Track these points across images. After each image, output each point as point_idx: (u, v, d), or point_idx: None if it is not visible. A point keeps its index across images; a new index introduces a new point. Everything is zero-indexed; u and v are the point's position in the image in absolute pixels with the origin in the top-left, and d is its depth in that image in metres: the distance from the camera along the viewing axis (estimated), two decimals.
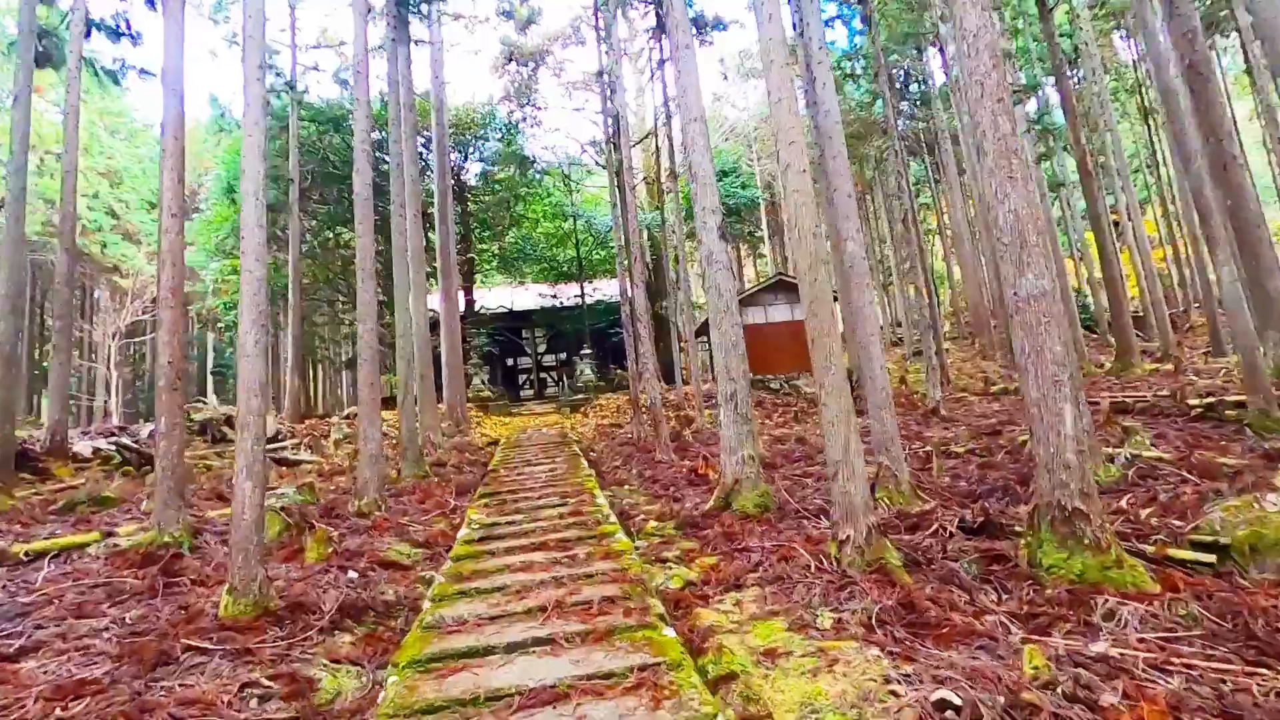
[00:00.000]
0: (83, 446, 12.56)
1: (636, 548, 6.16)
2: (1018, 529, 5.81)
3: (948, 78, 32.33)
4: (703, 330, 27.85)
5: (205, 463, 12.72)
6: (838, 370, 5.25)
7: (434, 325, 18.32)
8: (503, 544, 5.38)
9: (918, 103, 33.39)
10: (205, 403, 15.37)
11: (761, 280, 26.77)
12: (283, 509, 7.59)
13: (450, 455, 13.52)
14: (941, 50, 27.38)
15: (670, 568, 5.48)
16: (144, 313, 27.05)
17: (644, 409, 13.08)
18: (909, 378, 23.86)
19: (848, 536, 4.99)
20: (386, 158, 18.66)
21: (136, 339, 30.31)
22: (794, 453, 11.20)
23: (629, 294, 12.16)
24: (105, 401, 27.46)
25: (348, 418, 18.41)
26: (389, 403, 21.74)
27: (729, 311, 7.41)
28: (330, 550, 6.66)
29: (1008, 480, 7.58)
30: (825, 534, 6.03)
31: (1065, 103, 17.26)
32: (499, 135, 25.70)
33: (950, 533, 5.84)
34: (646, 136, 24.34)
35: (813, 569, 5.01)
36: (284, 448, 14.10)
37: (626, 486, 9.58)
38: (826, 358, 5.26)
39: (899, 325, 41.45)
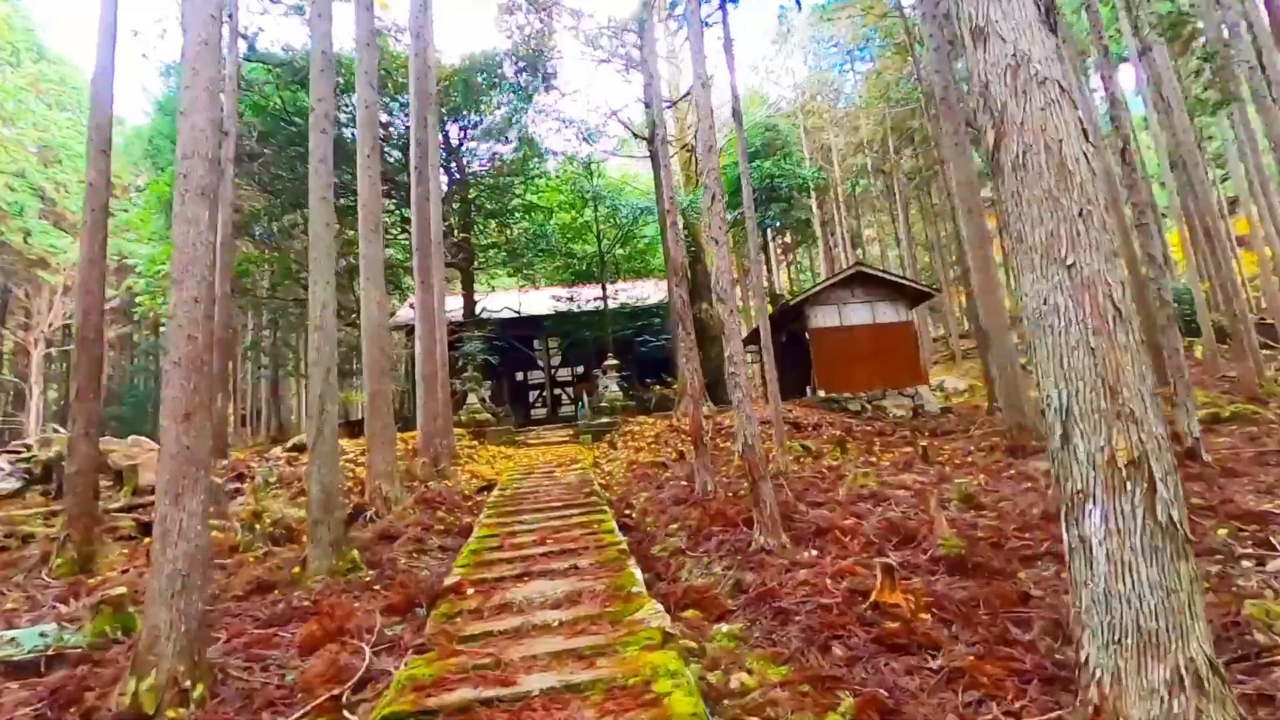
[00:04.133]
0: None
1: None
2: None
3: None
4: (752, 339, 22.95)
5: (22, 528, 8.03)
6: None
7: (408, 328, 13.66)
8: None
9: None
10: (59, 431, 10.79)
11: (831, 274, 21.84)
12: None
13: (410, 517, 8.73)
14: None
15: None
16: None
17: (733, 449, 8.22)
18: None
19: None
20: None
21: (70, 347, 25.90)
22: (1011, 541, 6.20)
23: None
24: (22, 423, 23.06)
25: (292, 450, 13.71)
26: (356, 428, 17.05)
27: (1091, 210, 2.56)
28: None
29: None
30: None
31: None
32: (504, 100, 21.20)
33: None
34: (684, 97, 19.74)
35: None
36: None
37: (724, 626, 4.69)
38: None
39: (946, 337, 36.30)
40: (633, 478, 11.55)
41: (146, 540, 8.38)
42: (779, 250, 35.29)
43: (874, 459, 11.87)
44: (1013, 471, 9.43)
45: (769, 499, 6.29)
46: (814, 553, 6.16)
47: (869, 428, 15.27)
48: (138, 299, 19.40)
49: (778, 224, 27.82)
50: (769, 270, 37.52)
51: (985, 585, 5.15)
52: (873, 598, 4.61)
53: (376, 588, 6.26)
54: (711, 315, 22.71)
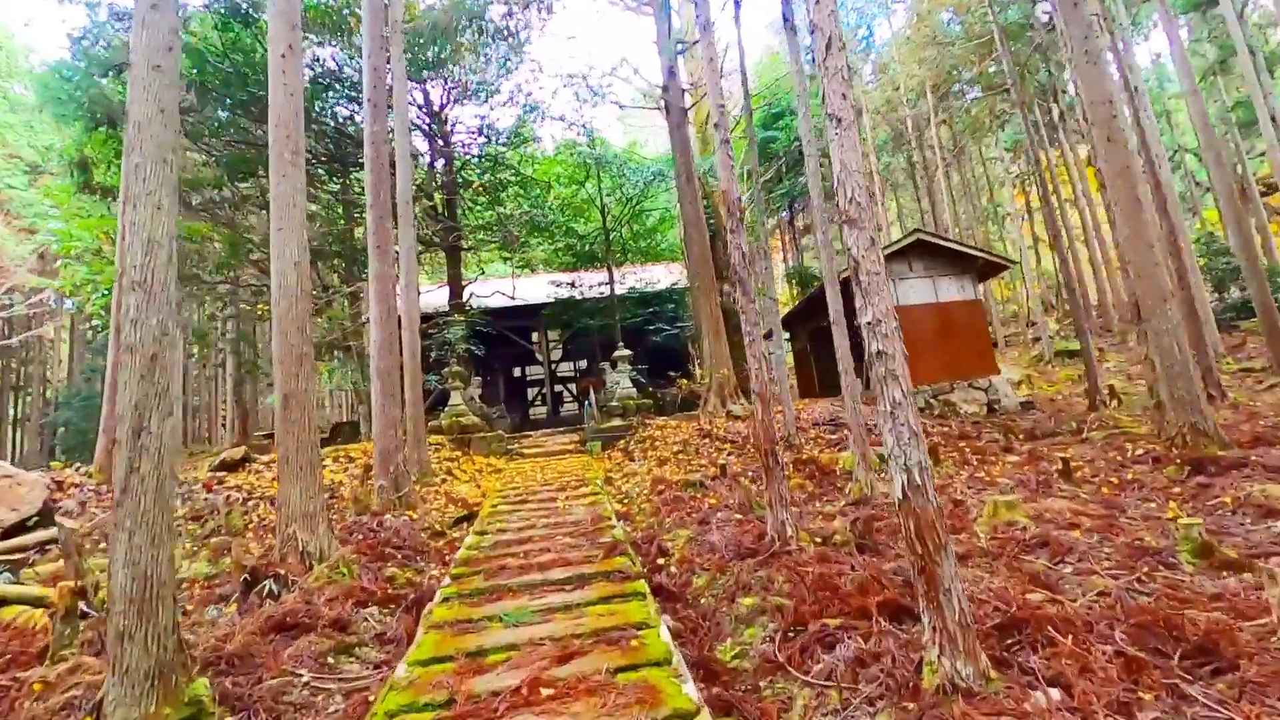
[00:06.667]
0: None
1: None
2: None
3: None
4: (784, 323, 19.93)
5: None
6: None
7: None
8: None
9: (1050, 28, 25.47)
10: None
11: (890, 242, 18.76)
12: None
13: (340, 581, 5.80)
14: None
15: None
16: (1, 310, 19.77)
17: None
18: (1116, 386, 15.82)
19: None
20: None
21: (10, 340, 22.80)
22: None
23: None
24: None
25: (221, 468, 10.78)
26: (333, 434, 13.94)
27: None
28: None
29: None
30: None
31: None
32: (492, 54, 18.21)
33: None
34: (697, 42, 16.65)
35: None
36: None
37: None
38: None
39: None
40: (660, 504, 8.61)
41: None
42: (800, 229, 32.23)
43: (980, 473, 8.95)
44: (1224, 498, 6.49)
45: (956, 589, 3.34)
46: (1055, 695, 3.22)
47: (945, 428, 12.34)
48: (66, 287, 16.44)
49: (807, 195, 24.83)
50: (787, 251, 34.47)
51: None
52: None
53: None
54: (735, 299, 19.76)
